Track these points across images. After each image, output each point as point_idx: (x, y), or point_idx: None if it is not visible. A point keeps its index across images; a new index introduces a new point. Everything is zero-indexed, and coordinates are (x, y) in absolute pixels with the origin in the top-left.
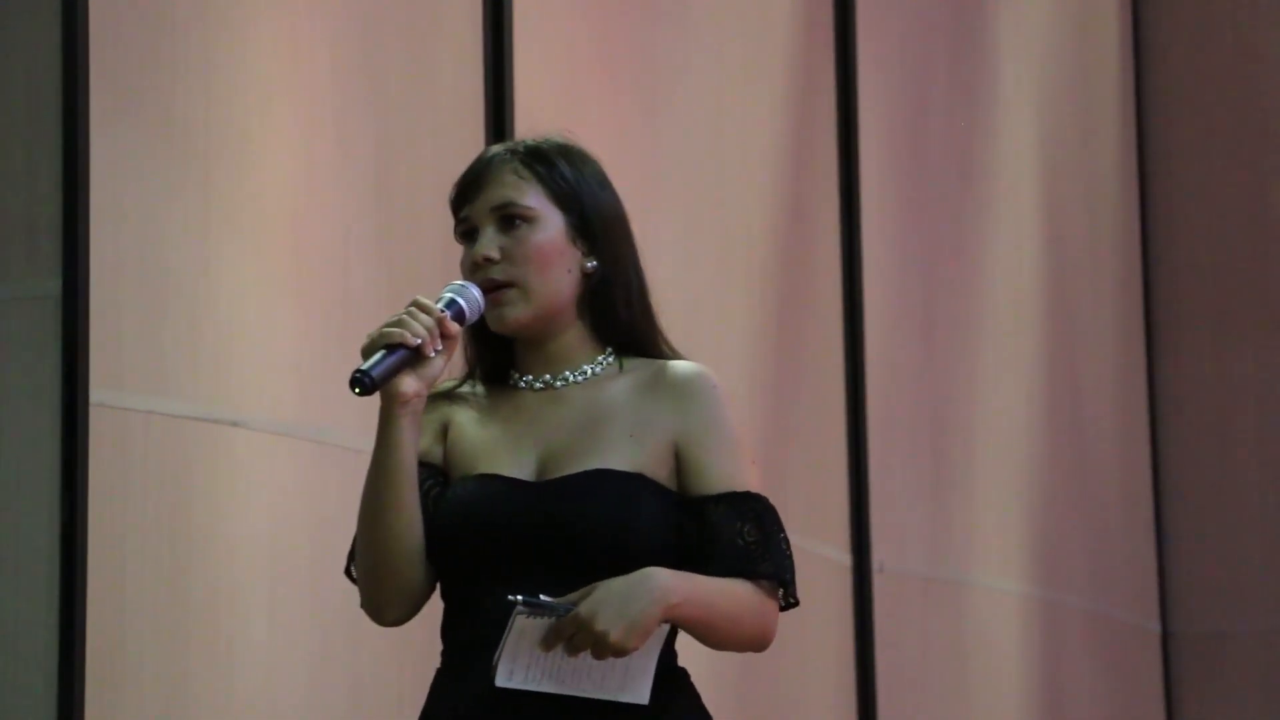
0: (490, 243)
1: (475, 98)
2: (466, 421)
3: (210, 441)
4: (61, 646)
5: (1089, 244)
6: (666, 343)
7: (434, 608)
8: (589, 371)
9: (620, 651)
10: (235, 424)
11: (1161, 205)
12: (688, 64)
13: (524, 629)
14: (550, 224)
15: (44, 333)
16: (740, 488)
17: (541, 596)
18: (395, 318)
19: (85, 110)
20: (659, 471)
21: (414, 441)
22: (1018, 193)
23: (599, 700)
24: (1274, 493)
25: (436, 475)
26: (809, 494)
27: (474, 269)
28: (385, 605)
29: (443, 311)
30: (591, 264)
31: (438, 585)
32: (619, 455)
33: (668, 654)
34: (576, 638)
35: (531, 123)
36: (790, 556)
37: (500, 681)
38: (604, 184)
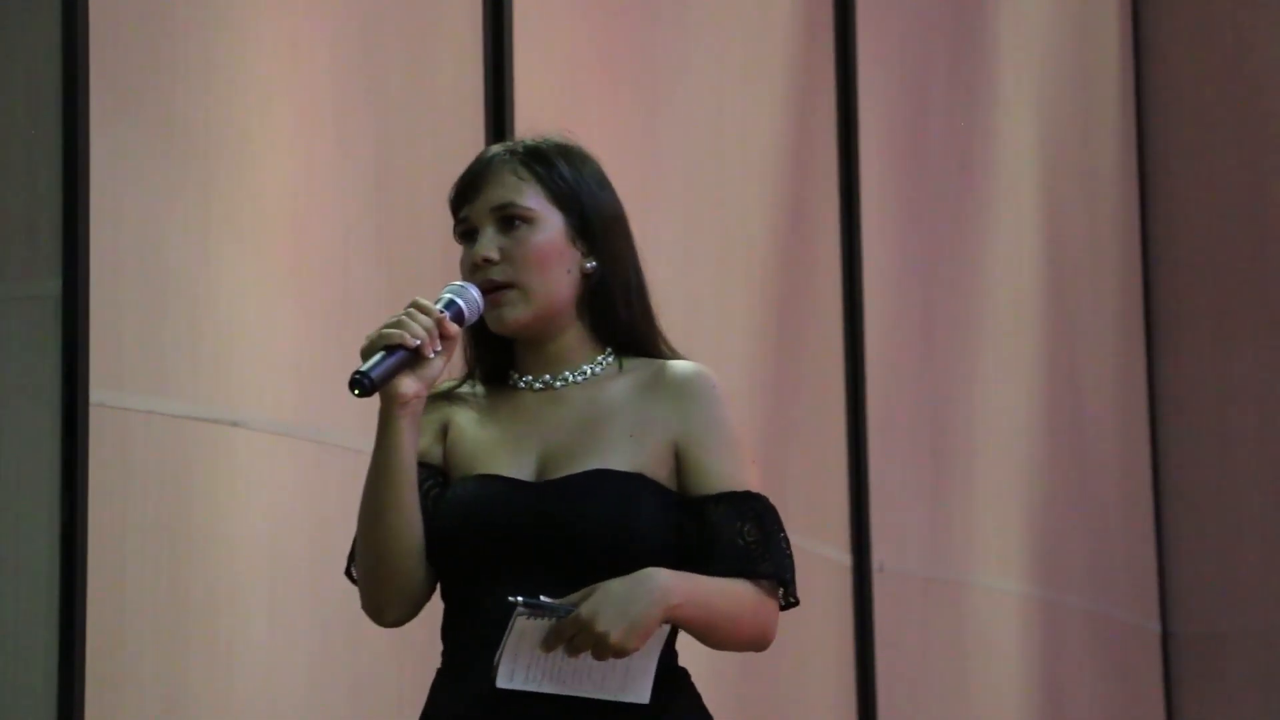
0: (490, 243)
1: (475, 98)
2: (466, 422)
3: (210, 441)
4: (61, 646)
5: (1089, 244)
6: (666, 343)
7: (434, 608)
8: (589, 372)
9: (621, 652)
10: (235, 424)
11: (1161, 205)
12: (688, 64)
13: (524, 630)
14: (550, 225)
15: (44, 333)
16: (740, 487)
17: (542, 597)
18: (394, 319)
19: (85, 110)
20: (659, 471)
21: (413, 442)
22: (1018, 193)
23: (600, 701)
24: (1274, 493)
25: (436, 476)
26: (809, 494)
27: (473, 270)
28: (385, 606)
29: (442, 312)
30: (591, 264)
31: (438, 586)
32: (619, 455)
33: (668, 654)
34: (577, 639)
35: (531, 123)
36: (790, 556)
37: (501, 682)
38: (603, 184)
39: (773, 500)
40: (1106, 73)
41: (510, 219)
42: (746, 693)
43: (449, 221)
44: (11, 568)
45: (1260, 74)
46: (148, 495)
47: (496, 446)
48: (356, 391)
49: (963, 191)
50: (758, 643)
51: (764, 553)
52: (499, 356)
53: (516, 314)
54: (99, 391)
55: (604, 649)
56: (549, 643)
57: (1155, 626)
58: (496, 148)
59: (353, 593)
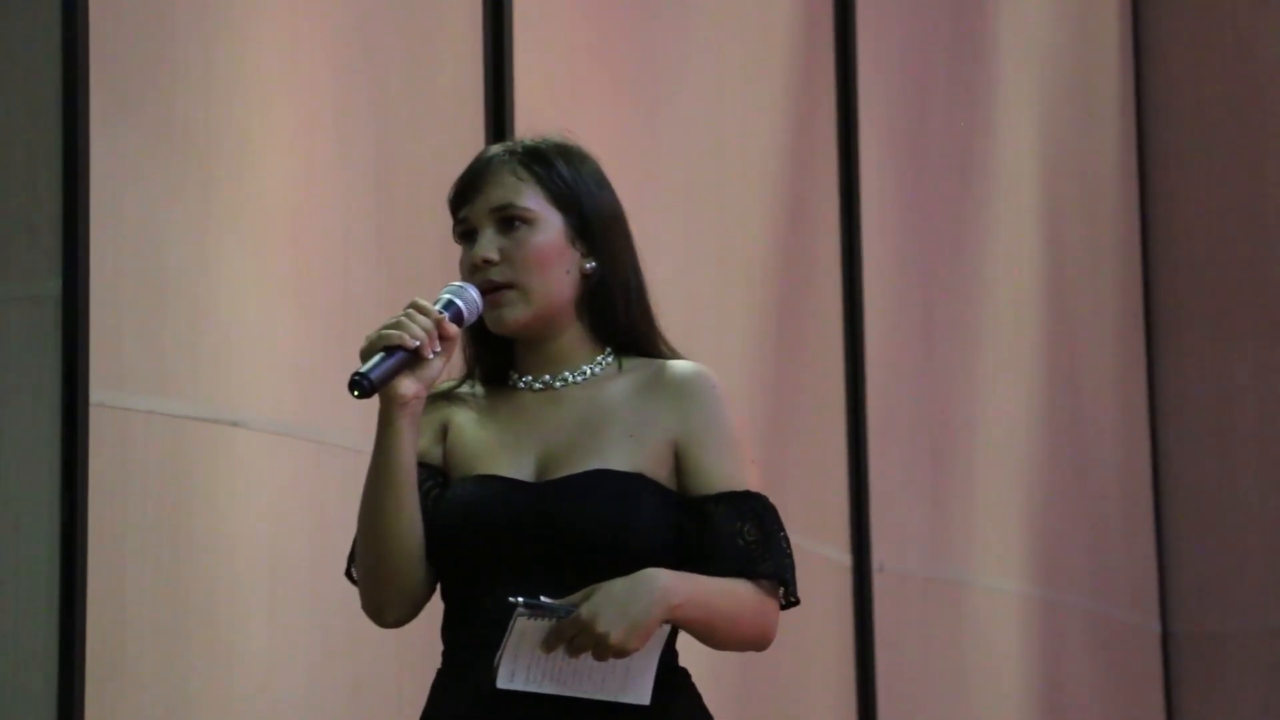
0: (489, 244)
1: (475, 98)
2: (466, 422)
3: (210, 441)
4: (61, 646)
5: (1089, 244)
6: (665, 342)
7: (434, 608)
8: (588, 372)
9: (621, 653)
10: (235, 424)
11: (1161, 205)
12: (688, 64)
13: (525, 630)
14: (549, 225)
15: (44, 333)
16: (740, 487)
17: (542, 598)
18: (393, 320)
19: (85, 110)
20: (659, 471)
21: (413, 443)
22: (1018, 193)
23: (600, 701)
24: (1274, 493)
25: (436, 476)
26: (809, 494)
27: (473, 271)
28: (385, 607)
29: (441, 313)
30: (590, 265)
31: (438, 586)
32: (618, 455)
33: (669, 654)
34: (578, 639)
35: (531, 123)
36: (790, 555)
37: (502, 683)
38: (602, 183)
39: (773, 500)
40: (1106, 73)
41: (509, 220)
42: (746, 693)
43: (449, 221)
44: (11, 568)
45: (1260, 74)
46: (148, 495)
47: (496, 447)
48: (356, 393)
49: (963, 191)
50: (758, 642)
51: (764, 552)
52: (498, 357)
53: (516, 314)
54: (99, 391)
55: (604, 649)
56: (549, 643)
57: (1155, 626)
58: (495, 148)
59: (353, 593)
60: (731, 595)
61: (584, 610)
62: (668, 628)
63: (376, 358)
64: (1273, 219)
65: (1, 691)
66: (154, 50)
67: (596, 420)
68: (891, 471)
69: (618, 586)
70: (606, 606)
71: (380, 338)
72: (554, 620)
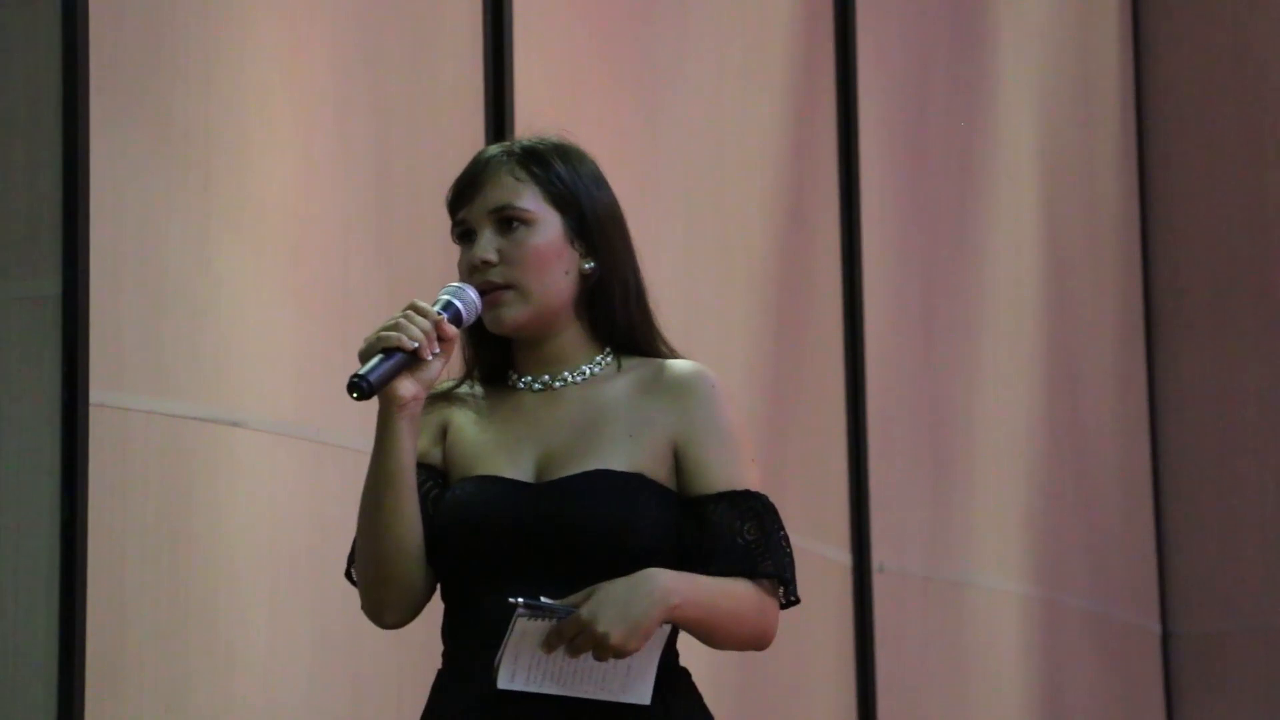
0: (488, 245)
1: (475, 98)
2: (465, 423)
3: (210, 441)
4: (61, 646)
5: (1089, 244)
6: (665, 342)
7: (434, 608)
8: (587, 372)
9: (622, 653)
10: (235, 424)
11: (1161, 205)
12: (688, 64)
13: (525, 631)
14: (548, 226)
15: (44, 333)
16: (740, 486)
17: (542, 598)
18: (392, 321)
19: (85, 110)
20: (658, 471)
21: (412, 444)
22: (1018, 192)
23: (601, 702)
24: (1274, 493)
25: (436, 476)
26: (809, 494)
27: (472, 271)
28: (385, 608)
29: (439, 314)
30: (589, 265)
31: (438, 586)
32: (618, 455)
33: (669, 654)
34: (578, 639)
35: (531, 123)
36: (790, 555)
37: (502, 683)
38: (600, 183)
39: (773, 500)
40: (1106, 73)
41: (508, 220)
42: (746, 693)
43: (449, 221)
44: (11, 568)
45: (1260, 74)
46: (148, 495)
47: (496, 447)
48: (355, 395)
49: (963, 191)
50: (758, 642)
51: (764, 552)
52: (498, 357)
53: (515, 314)
54: (99, 391)
55: (605, 650)
56: (550, 643)
57: (1155, 626)
58: (493, 149)
59: (353, 593)
60: (732, 595)
61: (584, 610)
62: (668, 628)
63: (375, 359)
64: (1273, 219)
65: (1, 692)
66: (154, 50)
67: (596, 420)
68: (891, 471)
69: (618, 587)
70: (607, 607)
71: (379, 339)
72: (554, 621)
